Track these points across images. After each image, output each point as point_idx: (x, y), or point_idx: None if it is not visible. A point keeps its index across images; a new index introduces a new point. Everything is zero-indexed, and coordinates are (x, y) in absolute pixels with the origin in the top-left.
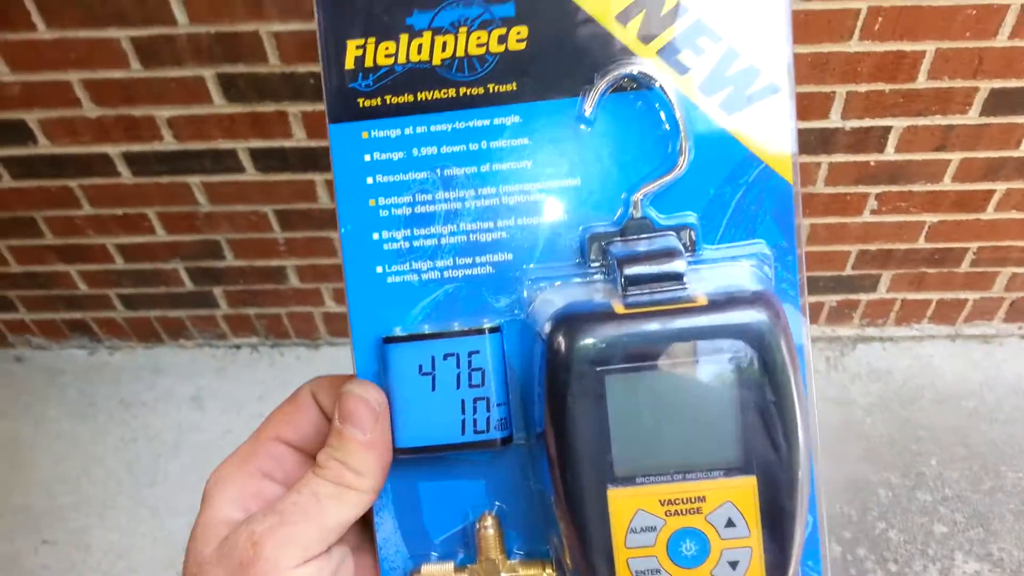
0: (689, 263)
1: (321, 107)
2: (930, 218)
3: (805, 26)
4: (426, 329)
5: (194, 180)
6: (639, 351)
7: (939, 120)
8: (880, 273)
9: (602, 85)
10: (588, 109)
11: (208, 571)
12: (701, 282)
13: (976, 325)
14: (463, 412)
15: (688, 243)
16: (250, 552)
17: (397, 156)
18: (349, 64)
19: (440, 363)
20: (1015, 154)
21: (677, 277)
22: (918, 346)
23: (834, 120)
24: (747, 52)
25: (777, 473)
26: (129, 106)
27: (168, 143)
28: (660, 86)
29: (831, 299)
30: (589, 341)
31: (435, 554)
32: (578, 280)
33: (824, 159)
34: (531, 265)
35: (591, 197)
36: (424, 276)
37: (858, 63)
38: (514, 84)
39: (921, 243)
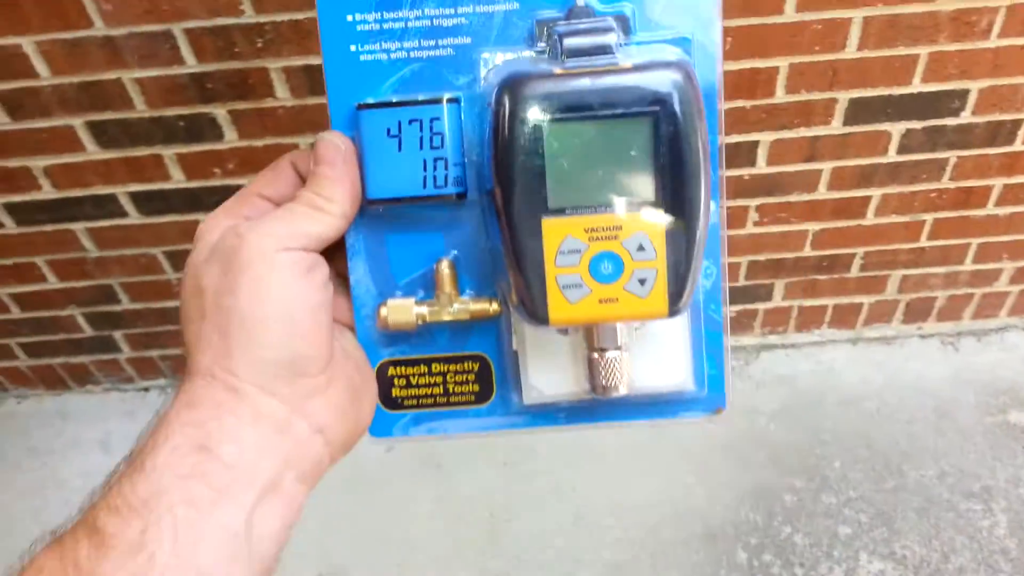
0: (624, 45)
1: (196, 148)
2: (812, 226)
3: None
4: (394, 99)
5: (78, 227)
6: (572, 103)
7: (804, 132)
8: (773, 282)
9: None
10: None
11: (204, 270)
12: (631, 57)
13: (876, 328)
14: (424, 170)
15: (624, 29)
16: (235, 242)
17: None
18: None
19: (405, 127)
20: (884, 160)
21: (608, 48)
22: (820, 351)
23: None
24: None
25: (681, 210)
26: (3, 158)
27: (47, 192)
28: None
29: (730, 310)
30: (531, 93)
31: (399, 292)
32: (527, 54)
33: None
34: (487, 49)
35: None
36: (393, 55)
37: None
38: None
39: (808, 251)
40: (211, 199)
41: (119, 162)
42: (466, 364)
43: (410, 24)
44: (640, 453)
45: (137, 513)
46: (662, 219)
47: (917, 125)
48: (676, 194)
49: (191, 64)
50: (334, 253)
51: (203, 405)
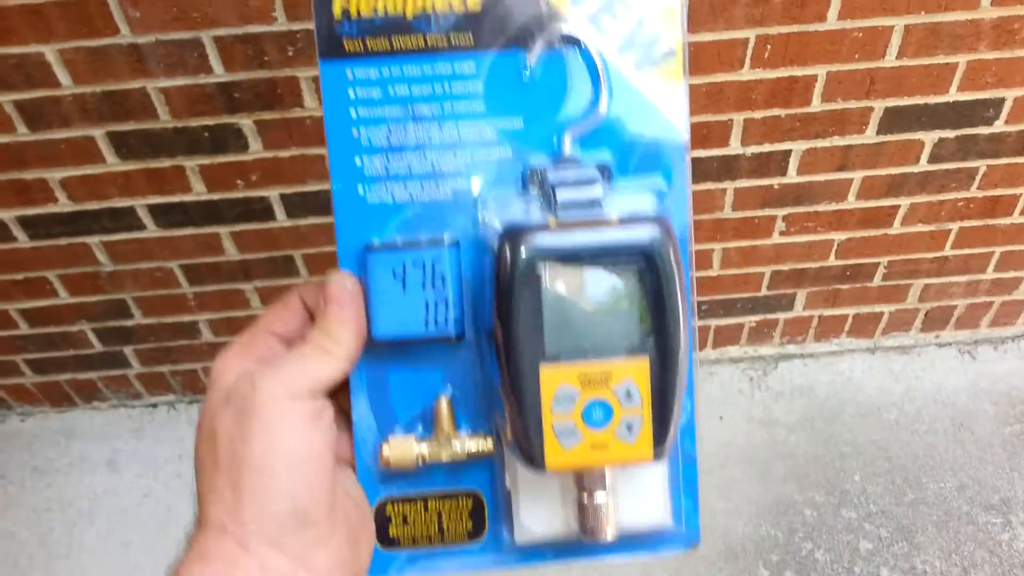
0: (606, 191)
1: (220, 159)
2: (838, 236)
3: (696, 58)
4: (399, 241)
5: (94, 240)
6: (566, 255)
7: (838, 141)
8: (795, 292)
9: (541, 43)
10: (530, 61)
11: (219, 414)
12: (614, 206)
13: (894, 337)
14: (426, 310)
15: (605, 175)
16: (249, 390)
17: (376, 93)
18: (337, 12)
19: (410, 269)
20: (915, 169)
21: (597, 201)
22: (839, 360)
23: (734, 147)
24: (651, 23)
25: (664, 356)
26: (20, 170)
27: (64, 204)
28: (584, 45)
29: (750, 319)
30: (529, 246)
31: (399, 428)
32: (521, 203)
33: (729, 184)
34: (483, 192)
35: (531, 136)
36: (397, 198)
37: (751, 91)
38: (471, 37)
39: (832, 260)
40: (231, 211)
41: (138, 173)
42: (460, 501)
43: (414, 168)
44: None
45: None
46: (647, 365)
47: (950, 134)
48: (659, 342)
49: (219, 73)
50: (338, 390)
51: (213, 560)
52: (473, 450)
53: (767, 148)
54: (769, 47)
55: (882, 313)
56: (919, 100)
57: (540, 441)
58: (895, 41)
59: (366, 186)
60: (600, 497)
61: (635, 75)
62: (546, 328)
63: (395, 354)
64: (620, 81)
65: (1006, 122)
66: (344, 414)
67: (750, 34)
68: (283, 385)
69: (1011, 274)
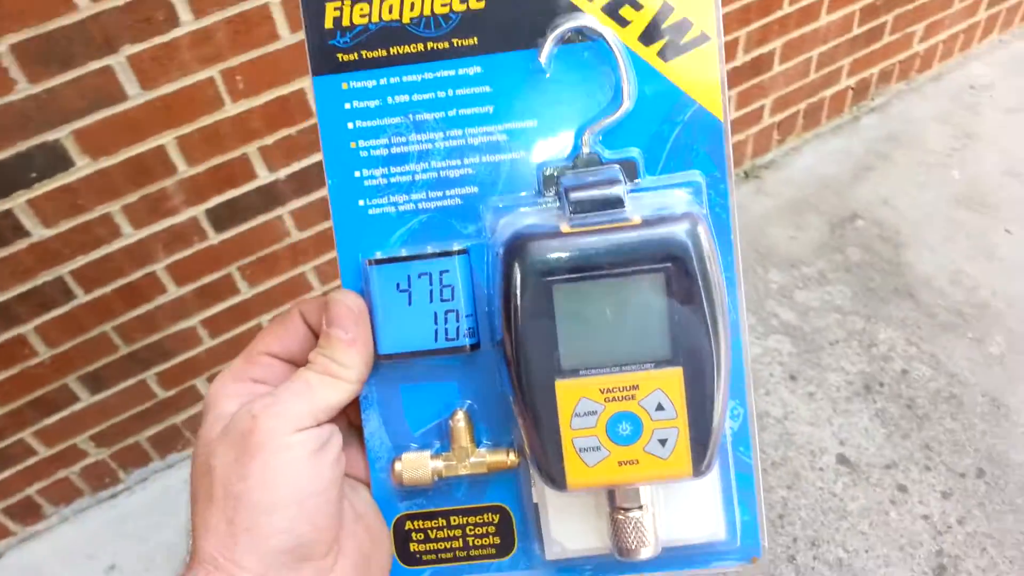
0: (632, 191)
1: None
2: None
3: None
4: (403, 252)
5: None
6: (581, 263)
7: None
8: None
9: (554, 37)
10: (543, 59)
11: (216, 448)
12: (642, 208)
13: None
14: (436, 323)
15: (631, 174)
16: (249, 424)
17: (374, 104)
18: (328, 24)
19: (415, 281)
20: None
21: (617, 202)
22: None
23: None
24: (680, 6)
25: (700, 365)
26: None
27: None
28: (604, 38)
29: None
30: (539, 256)
31: (414, 445)
32: (534, 208)
33: None
34: (495, 197)
35: (547, 136)
36: (401, 208)
37: None
38: (475, 39)
39: None
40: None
41: None
42: (486, 516)
43: (417, 177)
44: None
45: None
46: (681, 376)
47: None
48: (694, 349)
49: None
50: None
51: None
52: (494, 464)
53: None
54: None
55: None
56: None
57: (560, 458)
58: None
59: (367, 198)
60: (635, 514)
61: (662, 65)
62: (561, 343)
63: (406, 368)
64: (645, 71)
65: None
66: (355, 428)
67: None
68: (285, 418)
69: None
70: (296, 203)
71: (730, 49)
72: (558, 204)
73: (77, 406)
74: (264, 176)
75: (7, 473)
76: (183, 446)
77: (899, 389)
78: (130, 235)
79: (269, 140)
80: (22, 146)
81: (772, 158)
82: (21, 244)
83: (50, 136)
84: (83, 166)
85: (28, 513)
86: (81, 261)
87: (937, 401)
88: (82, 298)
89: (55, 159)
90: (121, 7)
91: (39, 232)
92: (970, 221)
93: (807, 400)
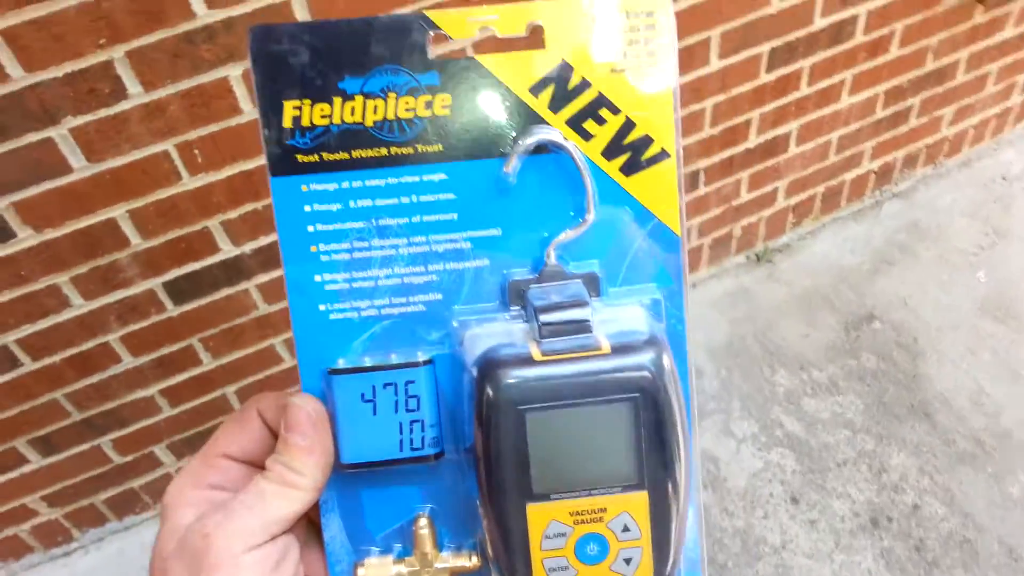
0: (593, 311)
1: None
2: None
3: None
4: (367, 362)
5: None
6: (553, 392)
7: None
8: None
9: (520, 149)
10: (508, 168)
11: (170, 565)
12: (603, 323)
13: None
14: (401, 433)
15: (594, 288)
16: (201, 544)
17: (335, 207)
18: (287, 123)
19: (380, 391)
20: None
21: (585, 324)
22: None
23: None
24: (641, 123)
25: (663, 487)
26: None
27: None
28: (569, 151)
29: None
30: (512, 383)
31: (376, 549)
32: (501, 319)
33: None
34: (458, 305)
35: (511, 245)
36: (363, 313)
37: None
38: (440, 145)
39: None
40: None
41: None
42: None
43: (380, 283)
44: None
45: None
46: (646, 499)
47: None
48: (659, 474)
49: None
50: None
51: None
52: (457, 569)
53: None
54: None
55: None
56: None
57: None
58: None
59: (328, 303)
60: None
61: (624, 180)
62: (533, 467)
63: (368, 473)
64: (607, 185)
65: None
66: (315, 526)
67: None
68: (238, 536)
69: None
70: (263, 277)
71: (742, 131)
72: (524, 317)
73: (27, 467)
74: (228, 250)
75: None
76: (141, 509)
77: (908, 527)
78: (81, 306)
79: (233, 214)
80: None
81: (786, 241)
82: None
83: None
84: (25, 237)
85: None
86: (28, 330)
87: (949, 546)
88: (29, 366)
89: None
90: (60, 79)
91: None
92: (996, 333)
93: (808, 528)
